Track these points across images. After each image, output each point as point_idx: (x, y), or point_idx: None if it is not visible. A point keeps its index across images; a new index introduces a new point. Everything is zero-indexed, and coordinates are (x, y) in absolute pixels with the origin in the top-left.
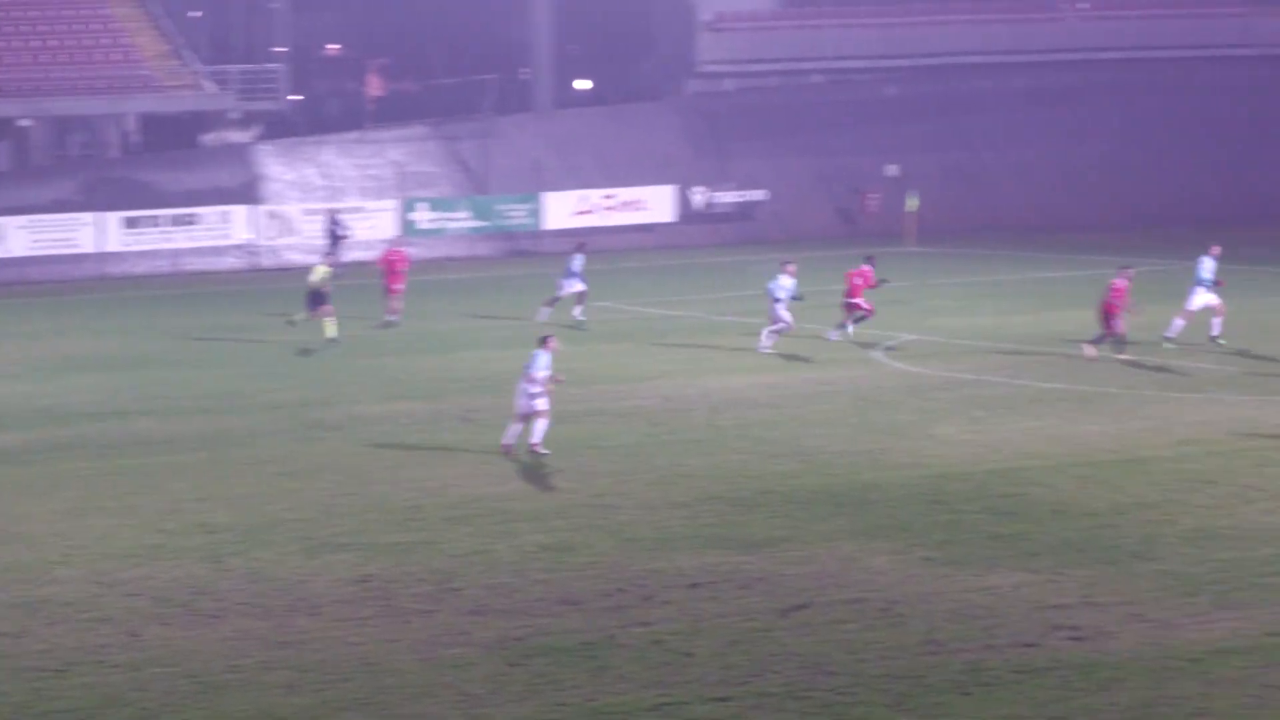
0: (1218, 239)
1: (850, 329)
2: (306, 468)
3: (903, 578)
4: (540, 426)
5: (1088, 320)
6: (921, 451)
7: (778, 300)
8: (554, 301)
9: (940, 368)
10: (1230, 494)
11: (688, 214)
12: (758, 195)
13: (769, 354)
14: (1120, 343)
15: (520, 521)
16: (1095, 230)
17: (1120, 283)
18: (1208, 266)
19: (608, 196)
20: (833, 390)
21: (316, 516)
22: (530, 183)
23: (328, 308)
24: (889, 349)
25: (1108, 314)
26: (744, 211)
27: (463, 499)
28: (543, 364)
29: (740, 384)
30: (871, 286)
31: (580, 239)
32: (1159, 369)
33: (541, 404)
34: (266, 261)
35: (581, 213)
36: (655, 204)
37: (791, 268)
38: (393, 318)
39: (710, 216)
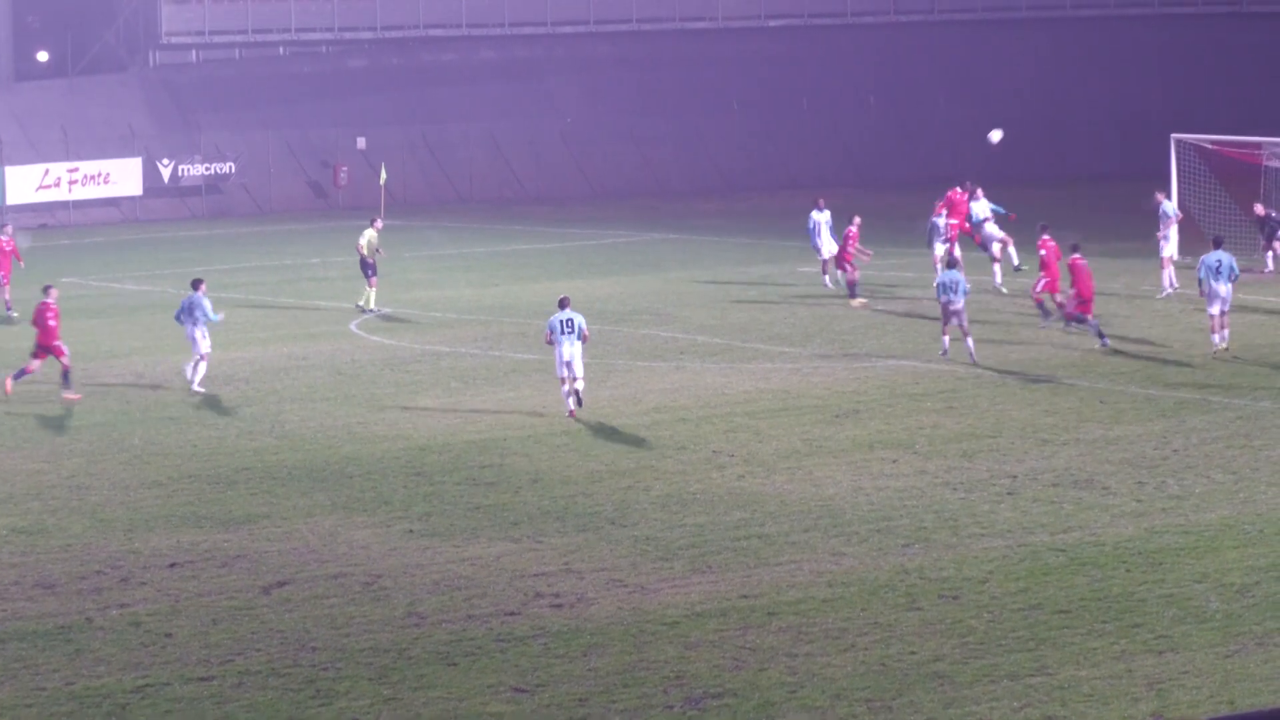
0: (680, 209)
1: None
2: None
3: (385, 551)
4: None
5: (555, 292)
6: (400, 424)
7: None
8: None
9: (416, 340)
10: (701, 460)
11: (155, 187)
12: (226, 168)
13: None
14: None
15: None
16: (561, 203)
17: (852, 230)
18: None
19: (72, 170)
20: (309, 364)
21: None
22: None
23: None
24: (366, 321)
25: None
26: (212, 184)
27: None
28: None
29: (215, 359)
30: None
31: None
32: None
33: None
34: None
35: (45, 187)
36: (121, 177)
37: None
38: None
39: (178, 190)
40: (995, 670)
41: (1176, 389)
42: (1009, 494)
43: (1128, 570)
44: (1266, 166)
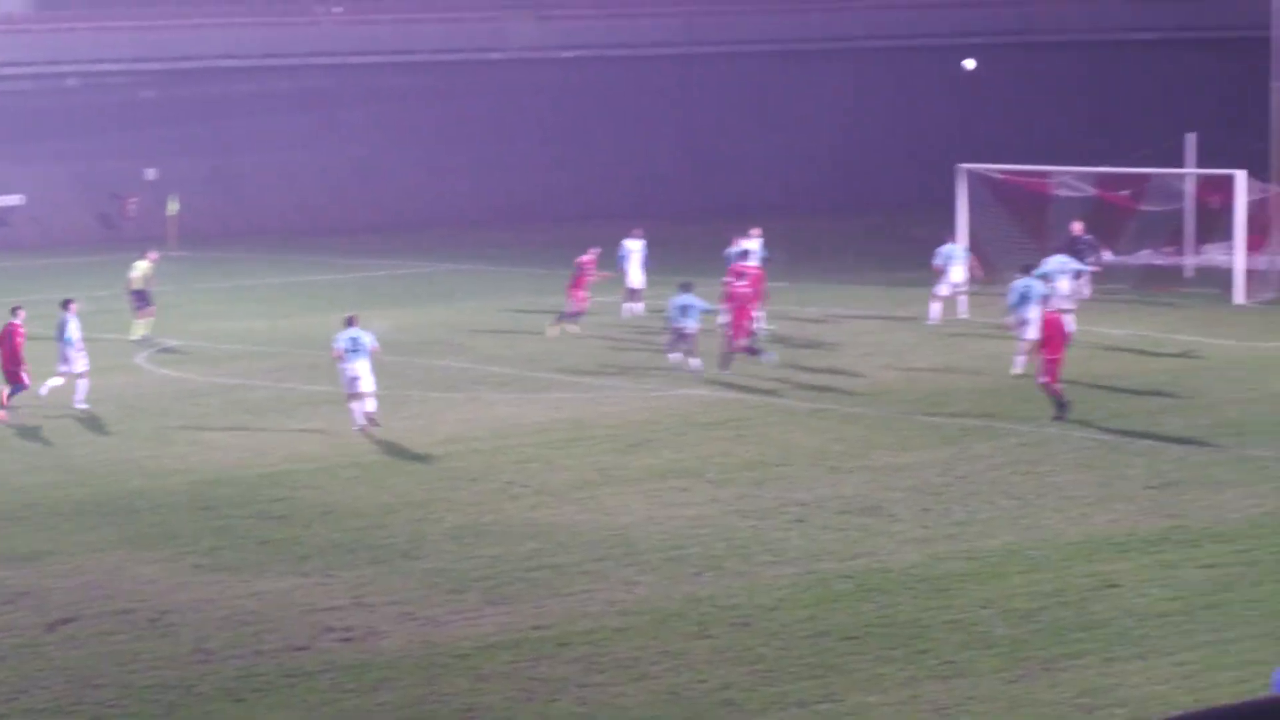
0: (473, 240)
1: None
2: None
3: (173, 586)
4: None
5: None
6: (190, 457)
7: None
8: None
9: (206, 372)
10: (493, 491)
11: None
12: (13, 201)
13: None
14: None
15: None
16: (355, 233)
17: (587, 259)
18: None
19: None
20: (97, 397)
21: None
22: None
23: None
24: (155, 354)
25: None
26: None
27: None
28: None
29: None
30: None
31: None
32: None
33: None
34: None
35: None
36: None
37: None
38: None
39: None
40: (785, 698)
41: (962, 416)
42: (798, 521)
43: (914, 597)
44: (1056, 195)
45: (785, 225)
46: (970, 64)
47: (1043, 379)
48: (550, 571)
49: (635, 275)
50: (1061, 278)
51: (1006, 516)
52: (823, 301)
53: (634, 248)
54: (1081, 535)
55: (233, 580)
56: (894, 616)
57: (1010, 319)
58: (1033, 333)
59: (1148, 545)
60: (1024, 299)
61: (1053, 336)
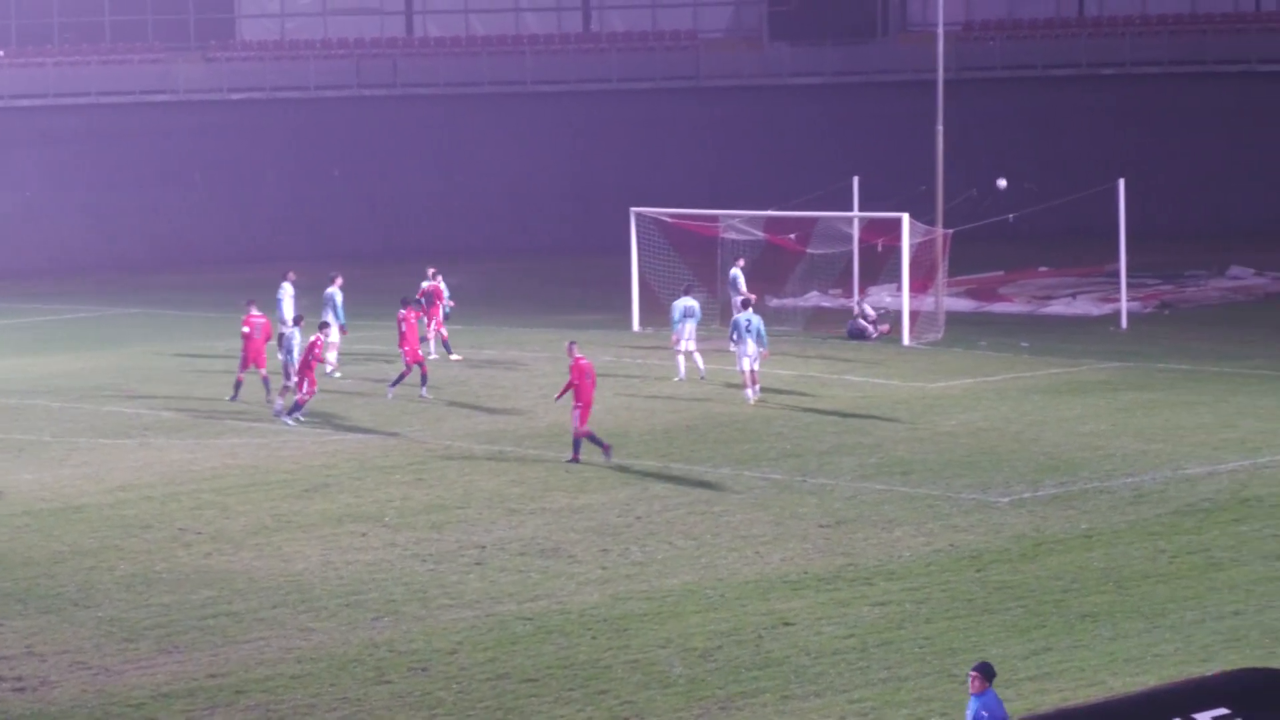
0: (136, 284)
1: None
2: None
3: None
4: None
5: (12, 369)
6: None
7: None
8: None
9: None
10: (167, 538)
11: None
12: None
13: None
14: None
15: None
16: (21, 277)
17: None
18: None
19: None
20: None
21: None
22: None
23: None
24: None
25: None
26: None
27: None
28: None
29: None
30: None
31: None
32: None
33: None
34: None
35: None
36: None
37: None
38: None
39: None
40: None
41: (640, 458)
42: (477, 564)
43: (594, 637)
44: (723, 239)
45: (464, 268)
46: (1002, 183)
47: (578, 428)
48: (226, 619)
49: (289, 317)
50: (689, 321)
51: (684, 556)
52: (499, 344)
53: (288, 290)
54: (757, 574)
55: None
56: (573, 658)
57: (733, 349)
58: (747, 364)
59: (821, 583)
60: (745, 332)
61: (583, 383)
